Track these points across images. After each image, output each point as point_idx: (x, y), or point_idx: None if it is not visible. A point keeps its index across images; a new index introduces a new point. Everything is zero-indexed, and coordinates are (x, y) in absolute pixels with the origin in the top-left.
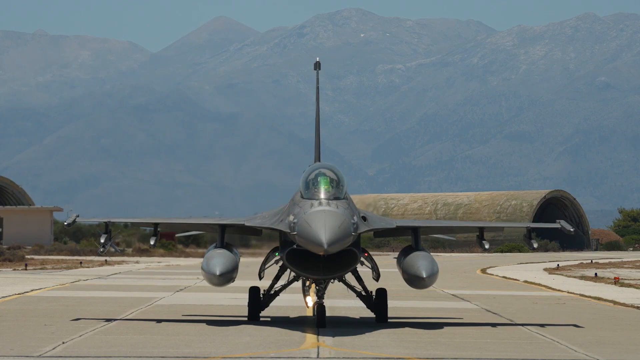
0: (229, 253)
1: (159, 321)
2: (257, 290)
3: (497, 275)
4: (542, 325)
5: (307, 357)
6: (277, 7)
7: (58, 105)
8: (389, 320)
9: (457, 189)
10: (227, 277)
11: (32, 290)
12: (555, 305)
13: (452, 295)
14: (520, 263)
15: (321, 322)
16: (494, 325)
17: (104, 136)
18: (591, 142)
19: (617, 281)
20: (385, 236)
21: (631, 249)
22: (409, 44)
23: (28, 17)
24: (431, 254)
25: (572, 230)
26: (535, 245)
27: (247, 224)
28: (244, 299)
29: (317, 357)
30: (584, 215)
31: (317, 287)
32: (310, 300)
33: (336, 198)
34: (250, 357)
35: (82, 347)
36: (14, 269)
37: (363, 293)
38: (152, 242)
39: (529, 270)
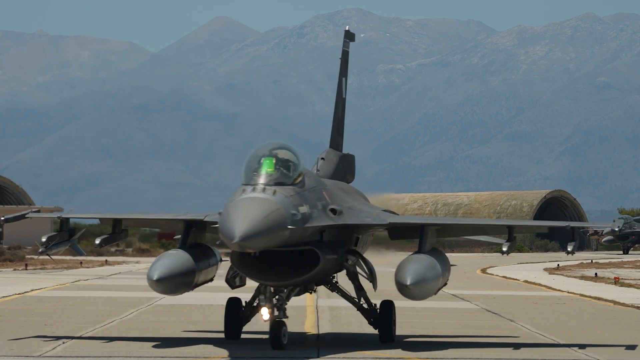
0: (183, 254)
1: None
2: (236, 302)
3: (497, 275)
4: (582, 347)
5: (307, 357)
6: (277, 7)
7: (58, 105)
8: (400, 340)
9: (457, 189)
10: (171, 283)
11: (32, 290)
12: (555, 305)
13: (452, 295)
14: (520, 263)
15: (276, 343)
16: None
17: (104, 136)
18: (591, 142)
19: (617, 281)
20: (399, 237)
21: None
22: (409, 44)
23: (28, 17)
24: (444, 258)
25: (617, 229)
26: (569, 249)
27: (206, 219)
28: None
29: (317, 357)
30: (584, 216)
31: (276, 297)
32: (267, 313)
33: (279, 183)
34: (251, 357)
35: (82, 347)
36: (14, 269)
37: (365, 306)
38: (97, 241)
39: (529, 270)
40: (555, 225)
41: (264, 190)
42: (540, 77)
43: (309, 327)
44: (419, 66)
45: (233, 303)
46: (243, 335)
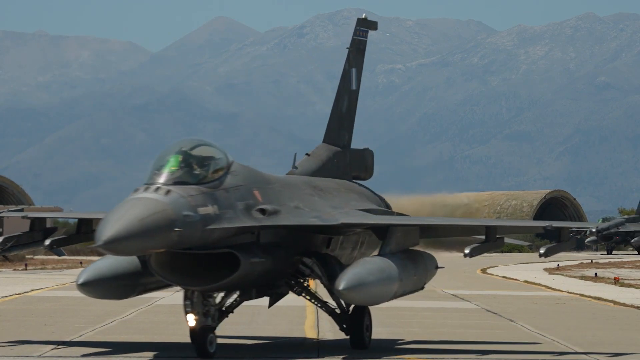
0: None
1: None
2: None
3: (497, 275)
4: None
5: (307, 357)
6: (277, 7)
7: (58, 105)
8: (384, 344)
9: (457, 189)
10: (100, 287)
11: (32, 290)
12: (555, 305)
13: (452, 295)
14: (520, 263)
15: (200, 351)
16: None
17: (104, 136)
18: (591, 142)
19: (617, 281)
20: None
21: (631, 248)
22: (409, 44)
23: (28, 17)
24: (413, 260)
25: (594, 230)
26: (542, 251)
27: None
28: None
29: (317, 357)
30: (584, 216)
31: (204, 302)
32: (192, 319)
33: (180, 182)
34: (251, 357)
35: (82, 347)
36: (14, 269)
37: (337, 310)
38: (46, 243)
39: (529, 270)
40: (536, 225)
41: (156, 190)
42: (540, 77)
43: (309, 328)
44: (419, 66)
45: None
46: (227, 341)
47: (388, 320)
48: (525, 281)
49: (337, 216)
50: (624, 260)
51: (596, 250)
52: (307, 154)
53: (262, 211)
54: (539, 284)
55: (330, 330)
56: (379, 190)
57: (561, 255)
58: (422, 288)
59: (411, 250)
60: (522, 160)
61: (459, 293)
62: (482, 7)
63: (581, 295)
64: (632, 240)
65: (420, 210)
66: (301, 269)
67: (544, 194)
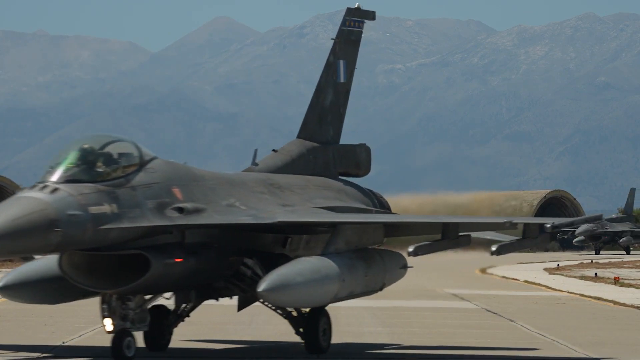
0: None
1: None
2: (160, 311)
3: (497, 275)
4: None
5: (307, 357)
6: (277, 7)
7: (58, 105)
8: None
9: (457, 189)
10: (23, 291)
11: None
12: (555, 305)
13: (452, 294)
14: (520, 263)
15: (116, 355)
16: None
17: None
18: (591, 142)
19: (617, 281)
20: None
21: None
22: (409, 44)
23: (28, 17)
24: (361, 260)
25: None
26: (493, 248)
27: None
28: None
29: (317, 357)
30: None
31: (122, 305)
32: (109, 323)
33: (74, 180)
34: (251, 357)
35: (82, 347)
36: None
37: (294, 314)
38: None
39: (529, 270)
40: (496, 222)
41: (43, 188)
42: (540, 77)
43: None
44: (419, 66)
45: (157, 312)
46: (193, 345)
47: (388, 320)
48: (525, 281)
49: (278, 214)
50: (624, 260)
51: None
52: (273, 150)
53: (180, 210)
54: (539, 284)
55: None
56: (379, 190)
57: (561, 255)
58: (381, 289)
59: (367, 250)
60: (522, 160)
61: (458, 293)
62: (482, 7)
63: (581, 295)
64: (621, 240)
65: (422, 210)
66: (242, 270)
67: (543, 194)
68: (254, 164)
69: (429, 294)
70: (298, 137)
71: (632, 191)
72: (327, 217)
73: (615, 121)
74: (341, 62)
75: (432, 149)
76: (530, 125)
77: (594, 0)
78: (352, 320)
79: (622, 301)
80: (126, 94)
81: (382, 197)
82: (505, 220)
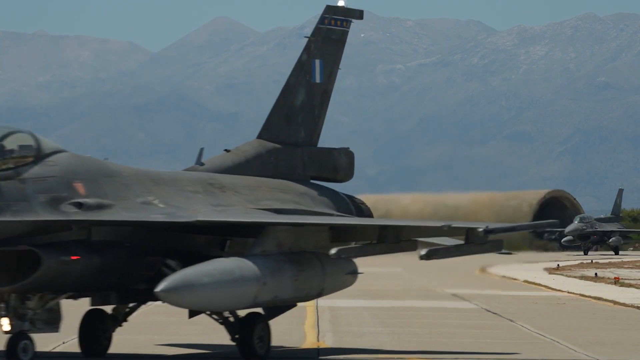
0: None
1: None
2: (97, 314)
3: (497, 275)
4: None
5: (307, 357)
6: (277, 7)
7: (58, 105)
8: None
9: (457, 189)
10: None
11: None
12: (555, 305)
13: (452, 294)
14: (520, 263)
15: (10, 358)
16: None
17: (104, 136)
18: (591, 142)
19: (617, 281)
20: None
21: (631, 248)
22: (409, 44)
23: (28, 17)
24: (290, 262)
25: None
26: (422, 253)
27: None
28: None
29: (317, 357)
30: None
31: (21, 305)
32: (7, 324)
33: None
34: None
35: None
36: None
37: (231, 319)
38: None
39: (529, 270)
40: (434, 226)
41: None
42: (540, 77)
43: (309, 327)
44: (419, 66)
45: (92, 316)
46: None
47: (388, 320)
48: (525, 281)
49: (201, 214)
50: (624, 260)
51: (596, 250)
52: (225, 150)
53: (79, 205)
54: (539, 284)
55: (331, 331)
56: (379, 189)
57: (561, 255)
58: (319, 295)
59: (303, 253)
60: (522, 161)
61: (458, 292)
62: (482, 7)
63: (581, 295)
64: (610, 240)
65: (423, 209)
66: (164, 272)
67: (543, 194)
68: (200, 163)
69: (429, 294)
70: (258, 137)
71: (620, 192)
72: (255, 218)
73: (615, 121)
74: (317, 61)
75: (432, 149)
76: (530, 125)
77: (594, 0)
78: (352, 320)
79: (622, 301)
80: (126, 94)
81: (363, 203)
82: (444, 224)
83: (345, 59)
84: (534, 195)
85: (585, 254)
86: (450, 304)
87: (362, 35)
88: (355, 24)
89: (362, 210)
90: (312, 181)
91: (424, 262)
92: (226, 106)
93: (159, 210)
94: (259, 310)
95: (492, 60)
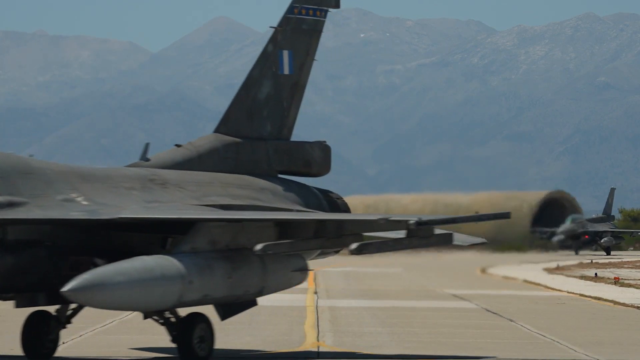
0: None
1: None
2: (40, 316)
3: (497, 275)
4: None
5: (307, 357)
6: (277, 7)
7: (58, 105)
8: None
9: (458, 189)
10: None
11: None
12: (555, 305)
13: (452, 295)
14: (520, 263)
15: None
16: None
17: (104, 136)
18: (591, 142)
19: (617, 281)
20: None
21: (631, 248)
22: (409, 44)
23: (28, 17)
24: (218, 261)
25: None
26: (353, 247)
27: None
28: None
29: (317, 357)
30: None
31: None
32: None
33: None
34: (251, 357)
35: (82, 347)
36: None
37: (172, 319)
38: None
39: (529, 270)
40: (368, 219)
41: None
42: (540, 77)
43: (309, 327)
44: (419, 66)
45: (35, 319)
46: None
47: (388, 320)
48: (525, 281)
49: (128, 211)
50: (624, 260)
51: (596, 250)
52: (176, 145)
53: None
54: (539, 284)
55: (331, 331)
56: (379, 189)
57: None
58: (261, 293)
59: (241, 250)
60: (522, 161)
61: (459, 293)
62: (482, 7)
63: (581, 295)
64: (602, 241)
65: (423, 209)
66: None
67: (543, 195)
68: (145, 158)
69: (429, 294)
70: (216, 131)
71: (612, 191)
72: (184, 215)
73: (615, 121)
74: (285, 52)
75: (432, 149)
76: (530, 126)
77: (594, 0)
78: (352, 320)
79: (622, 301)
80: (126, 94)
81: (339, 198)
82: (380, 217)
83: (346, 59)
84: (534, 195)
85: (576, 253)
86: (450, 304)
87: (362, 35)
88: (355, 23)
89: (337, 205)
90: (280, 176)
91: (424, 262)
92: (226, 106)
93: (80, 207)
94: (198, 309)
95: (492, 60)
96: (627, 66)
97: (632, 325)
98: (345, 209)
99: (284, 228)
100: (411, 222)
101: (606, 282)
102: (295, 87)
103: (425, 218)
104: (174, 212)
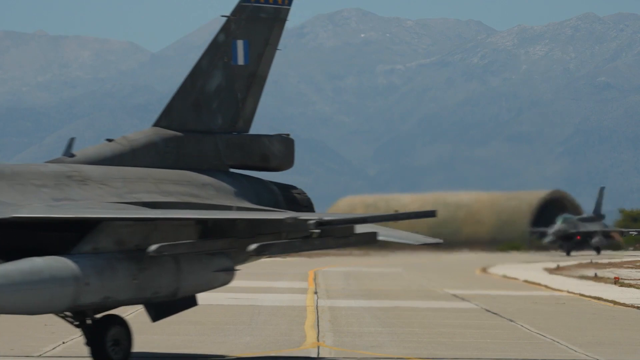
0: None
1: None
2: None
3: (497, 275)
4: None
5: (307, 357)
6: None
7: (58, 105)
8: None
9: (458, 189)
10: None
11: None
12: (555, 305)
13: (453, 295)
14: (520, 263)
15: None
16: None
17: (104, 136)
18: (591, 142)
19: (617, 281)
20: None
21: (631, 248)
22: (409, 44)
23: (28, 17)
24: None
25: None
26: (252, 247)
27: None
28: (245, 298)
29: (318, 357)
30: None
31: None
32: None
33: None
34: (251, 357)
35: (82, 347)
36: None
37: (89, 321)
38: None
39: (529, 270)
40: (276, 218)
41: None
42: (540, 77)
43: (309, 327)
44: (419, 66)
45: None
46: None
47: (388, 320)
48: (525, 281)
49: (24, 210)
50: (624, 260)
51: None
52: (107, 140)
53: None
54: (539, 284)
55: (331, 331)
56: (380, 189)
57: (561, 255)
58: (175, 295)
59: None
60: (522, 161)
61: (459, 293)
62: (482, 7)
63: (581, 295)
64: (592, 241)
65: (423, 209)
66: None
67: (543, 195)
68: (69, 154)
69: (429, 294)
70: (155, 125)
71: (602, 190)
72: (86, 214)
73: (615, 121)
74: (239, 42)
75: (432, 149)
76: (530, 126)
77: (594, 0)
78: (352, 320)
79: (622, 301)
80: (126, 94)
81: (301, 193)
82: (288, 216)
83: (346, 59)
84: (534, 195)
85: (568, 254)
86: (450, 304)
87: (362, 35)
88: (355, 23)
89: (296, 201)
90: (235, 171)
91: (424, 262)
92: None
93: None
94: (115, 311)
95: (492, 60)
96: (627, 66)
97: (632, 325)
98: (307, 204)
99: (206, 227)
100: (311, 222)
101: (606, 282)
102: (252, 78)
103: (326, 218)
104: (76, 212)
